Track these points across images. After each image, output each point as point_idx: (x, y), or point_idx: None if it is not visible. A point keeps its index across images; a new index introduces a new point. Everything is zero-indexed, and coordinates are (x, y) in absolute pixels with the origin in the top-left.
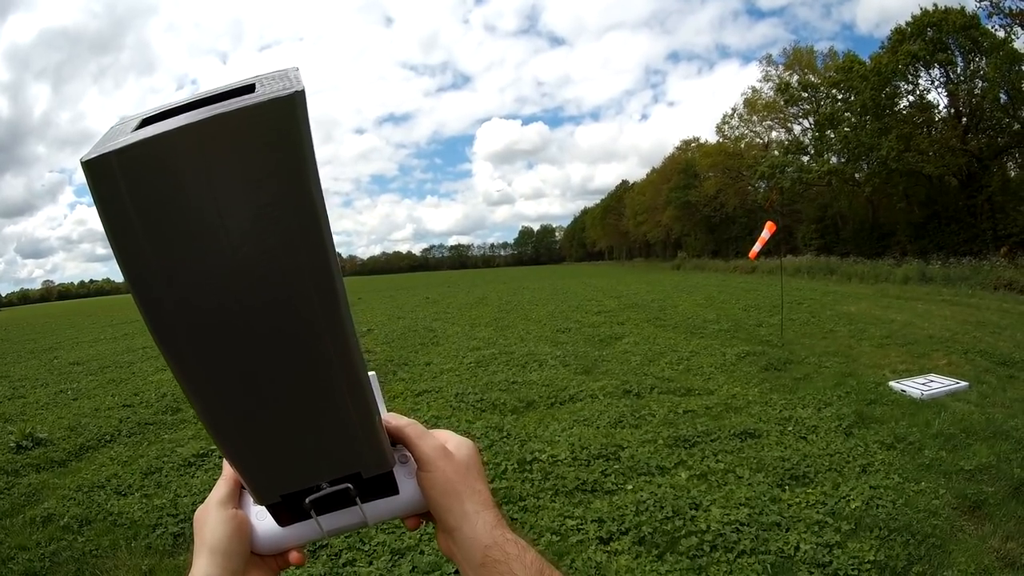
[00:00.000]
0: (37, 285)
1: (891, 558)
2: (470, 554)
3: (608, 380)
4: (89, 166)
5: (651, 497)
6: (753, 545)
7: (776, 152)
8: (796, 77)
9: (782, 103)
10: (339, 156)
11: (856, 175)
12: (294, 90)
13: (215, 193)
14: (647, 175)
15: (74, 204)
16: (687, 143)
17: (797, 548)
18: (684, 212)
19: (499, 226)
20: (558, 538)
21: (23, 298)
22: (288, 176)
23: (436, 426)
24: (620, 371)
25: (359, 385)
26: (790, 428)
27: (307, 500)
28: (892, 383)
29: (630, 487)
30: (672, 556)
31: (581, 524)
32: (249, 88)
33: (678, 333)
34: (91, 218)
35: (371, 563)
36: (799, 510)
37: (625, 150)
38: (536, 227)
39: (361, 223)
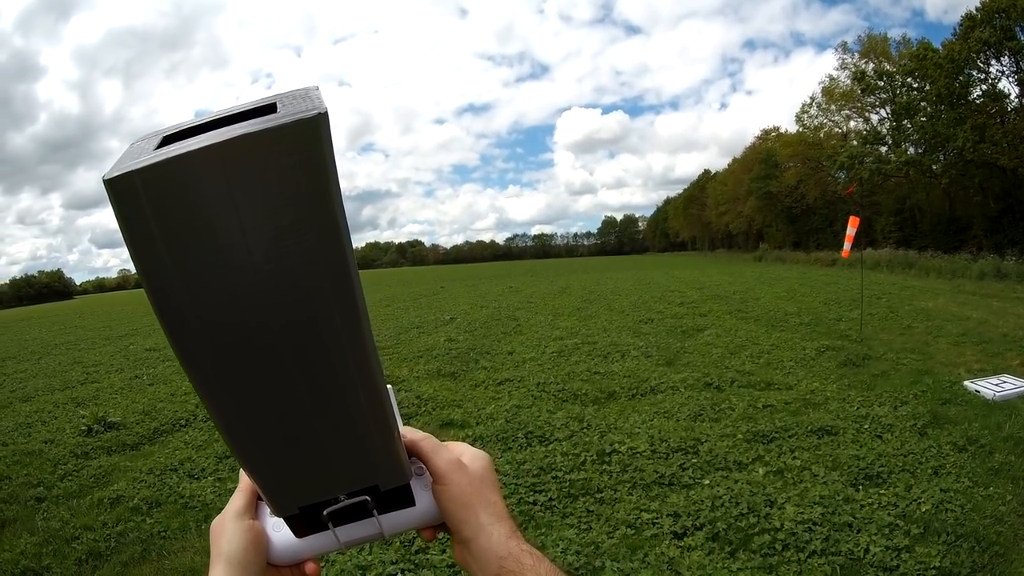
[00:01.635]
0: (113, 274)
1: (956, 565)
2: (486, 565)
3: (689, 372)
4: (111, 184)
5: (727, 493)
6: (824, 546)
7: (855, 142)
8: (872, 65)
9: (859, 92)
10: (419, 146)
11: (933, 166)
12: (317, 112)
13: (237, 212)
14: (728, 165)
15: None
16: (767, 132)
17: (867, 550)
18: (765, 203)
19: (582, 215)
20: (633, 531)
21: (99, 286)
22: (311, 197)
23: (517, 416)
24: (701, 363)
25: (379, 400)
26: (866, 426)
27: (325, 512)
28: (967, 382)
29: (707, 482)
30: (744, 554)
31: (656, 518)
32: (271, 107)
33: (759, 326)
34: None
35: (444, 551)
36: (871, 511)
37: (705, 139)
38: (619, 217)
39: (443, 212)
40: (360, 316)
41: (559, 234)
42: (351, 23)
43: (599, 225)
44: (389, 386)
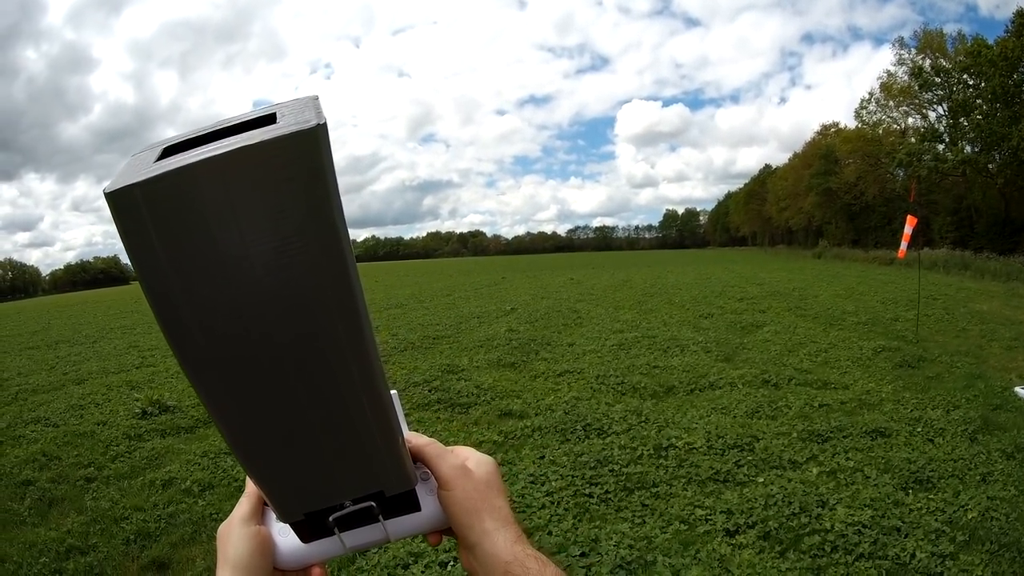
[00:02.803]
0: None
1: (997, 574)
2: (491, 570)
3: (748, 368)
4: (112, 197)
5: (781, 491)
6: (872, 549)
7: (913, 139)
8: (928, 61)
9: (916, 88)
10: (480, 137)
11: (989, 165)
12: (316, 123)
13: (238, 224)
14: (789, 160)
15: None
16: (826, 128)
17: (913, 556)
18: (825, 199)
19: (643, 208)
20: (686, 527)
21: None
22: (311, 208)
23: (576, 408)
24: (760, 360)
25: (382, 407)
26: (919, 429)
27: (331, 518)
28: (1017, 388)
29: (761, 480)
30: (794, 554)
31: (710, 515)
32: (270, 118)
33: (817, 323)
34: None
35: None
36: (919, 516)
37: (765, 134)
38: (680, 210)
39: (505, 203)
40: (362, 325)
41: (620, 227)
42: (409, 14)
43: (660, 218)
44: (394, 392)
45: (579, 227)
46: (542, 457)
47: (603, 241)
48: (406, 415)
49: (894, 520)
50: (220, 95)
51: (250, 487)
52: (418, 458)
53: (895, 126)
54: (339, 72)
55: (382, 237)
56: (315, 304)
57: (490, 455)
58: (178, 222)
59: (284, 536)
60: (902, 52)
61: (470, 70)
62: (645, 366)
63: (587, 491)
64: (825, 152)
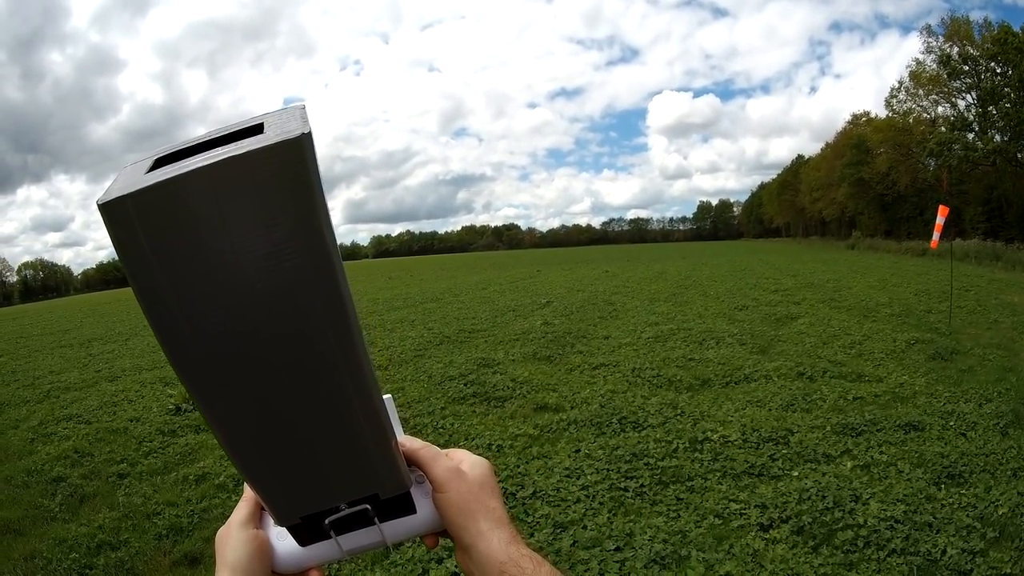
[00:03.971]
0: None
1: None
2: (486, 571)
3: (783, 361)
4: (105, 208)
5: (815, 486)
6: (904, 545)
7: (943, 128)
8: (956, 49)
9: (945, 76)
10: (512, 130)
11: (1019, 155)
12: (300, 132)
13: (228, 232)
14: (821, 150)
15: None
16: (857, 117)
17: (944, 552)
18: (858, 189)
19: (676, 200)
20: (720, 521)
21: None
22: (298, 215)
23: (611, 401)
24: (795, 352)
25: (374, 411)
26: (952, 423)
27: (326, 521)
28: None
29: (795, 474)
30: (827, 549)
31: (744, 509)
32: (258, 128)
33: (852, 315)
34: None
35: (533, 535)
36: (951, 511)
37: (796, 124)
38: (714, 202)
39: (539, 196)
40: (352, 330)
41: (655, 219)
42: (437, 9)
43: (694, 210)
44: (388, 396)
45: (613, 219)
46: (577, 451)
47: (638, 233)
48: (402, 419)
49: (926, 515)
50: (250, 93)
51: (248, 491)
52: (413, 461)
53: (925, 115)
54: (369, 68)
55: (416, 231)
56: (304, 311)
57: (525, 446)
58: (169, 231)
59: (282, 540)
60: (930, 40)
61: (500, 64)
62: (681, 359)
63: (622, 485)
64: (857, 142)
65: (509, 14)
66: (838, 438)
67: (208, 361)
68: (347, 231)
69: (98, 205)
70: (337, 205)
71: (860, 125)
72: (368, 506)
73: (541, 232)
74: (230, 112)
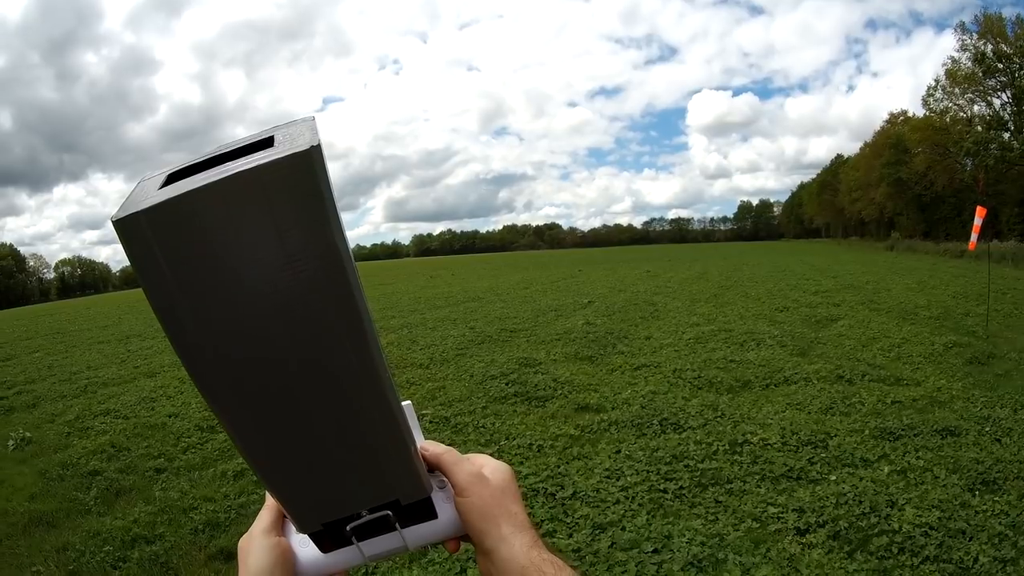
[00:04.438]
0: None
1: None
2: (508, 575)
3: (823, 364)
4: (119, 225)
5: (852, 490)
6: (937, 552)
7: (979, 127)
8: (990, 47)
9: (980, 74)
10: (553, 129)
11: None
12: (310, 145)
13: (241, 246)
14: (860, 149)
15: None
16: (895, 116)
17: (976, 560)
18: (896, 189)
19: (717, 200)
20: (758, 525)
21: None
22: (310, 227)
23: (652, 402)
24: (834, 355)
25: (393, 418)
26: (987, 428)
27: (348, 528)
28: None
29: (833, 478)
30: (862, 555)
31: (782, 513)
32: (268, 141)
33: (891, 318)
34: None
35: (571, 535)
36: (984, 519)
37: (835, 123)
38: (755, 201)
39: (580, 196)
40: (368, 340)
41: (696, 219)
42: (474, 8)
43: (735, 210)
44: (408, 402)
45: (654, 219)
46: (618, 451)
47: (679, 233)
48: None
49: (960, 522)
50: (288, 92)
51: (270, 499)
52: (435, 466)
53: (962, 114)
54: (407, 67)
55: (458, 230)
56: (320, 321)
57: (565, 447)
58: (183, 246)
59: (304, 547)
60: (964, 37)
61: (539, 63)
62: (721, 360)
63: (662, 486)
64: (895, 141)
65: (547, 13)
66: (876, 442)
67: (226, 372)
68: (388, 230)
69: (112, 222)
70: (378, 204)
71: (898, 124)
72: (389, 512)
73: (582, 232)
74: (269, 112)
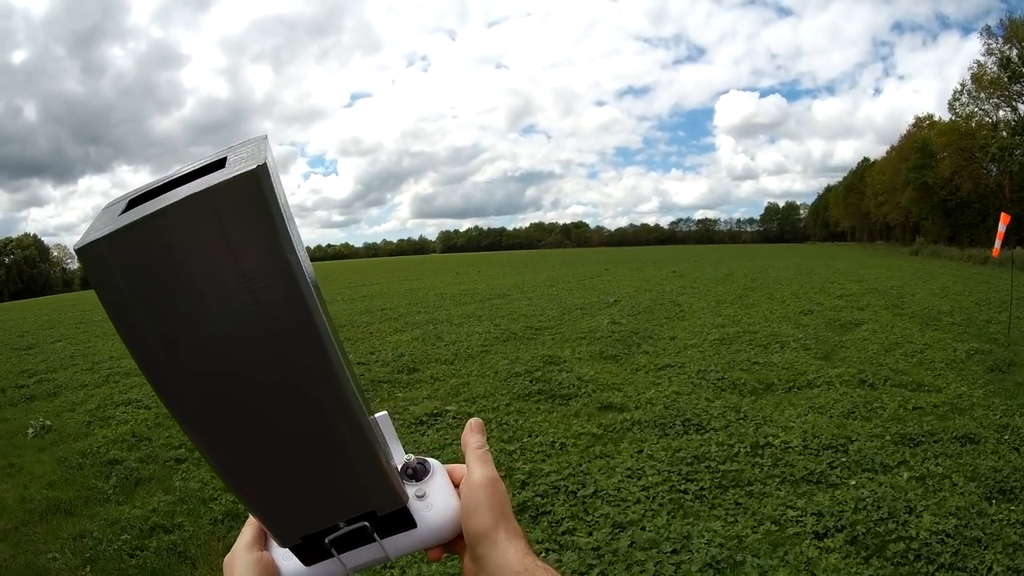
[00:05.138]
0: None
1: None
2: None
3: (845, 368)
4: (81, 254)
5: (871, 496)
6: (952, 560)
7: (1004, 133)
8: (1016, 51)
9: (1005, 79)
10: (581, 128)
11: None
12: (256, 164)
13: (199, 267)
14: (886, 153)
15: (307, 174)
16: (921, 120)
17: (990, 569)
18: (922, 194)
19: (743, 201)
20: (776, 528)
21: None
22: (262, 244)
23: (675, 403)
24: (858, 359)
25: (360, 430)
26: (1006, 436)
27: (327, 540)
28: None
29: (853, 483)
30: (878, 560)
31: (801, 516)
32: (221, 163)
33: (914, 323)
34: (325, 187)
35: (591, 534)
36: (1000, 528)
37: (861, 126)
38: (781, 203)
39: (607, 195)
40: (329, 356)
41: (722, 220)
42: (503, 6)
43: (761, 211)
44: (383, 414)
45: (681, 219)
46: (640, 451)
47: (705, 234)
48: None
49: (976, 531)
50: (316, 88)
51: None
52: (463, 454)
53: (987, 119)
54: (436, 64)
55: (485, 227)
56: (280, 338)
57: (588, 445)
58: (145, 269)
59: (287, 560)
60: (990, 42)
61: (567, 61)
62: (745, 362)
63: (682, 487)
64: (921, 145)
65: (575, 12)
66: (896, 448)
67: (193, 391)
68: (415, 226)
69: (75, 250)
70: (405, 200)
71: (924, 128)
72: (367, 523)
73: (609, 231)
74: (296, 107)
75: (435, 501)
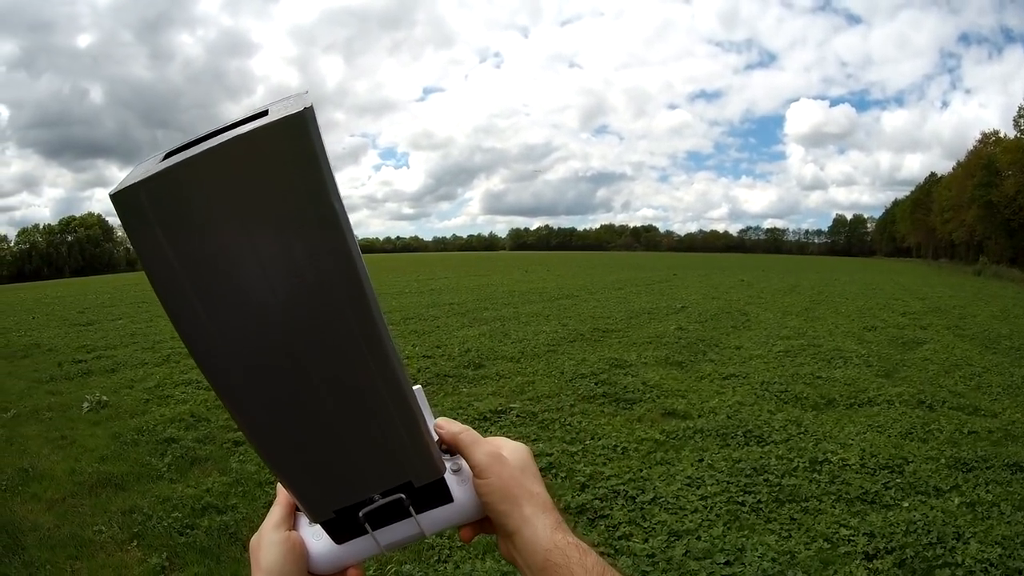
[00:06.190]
0: None
1: None
2: (531, 558)
3: (906, 387)
4: (116, 199)
5: (922, 519)
6: None
7: None
8: None
9: None
10: (652, 130)
11: None
12: (304, 106)
13: (240, 212)
14: (953, 168)
15: (379, 166)
16: (987, 137)
17: None
18: (987, 212)
19: (812, 212)
20: (828, 546)
21: None
22: (307, 190)
23: (738, 413)
24: (918, 379)
25: (403, 398)
26: None
27: (361, 513)
28: None
29: (906, 504)
30: None
31: (853, 535)
32: (263, 114)
33: (974, 345)
34: (395, 179)
35: (647, 540)
36: None
37: (928, 139)
38: (849, 216)
39: (677, 199)
40: (372, 312)
41: (791, 230)
42: (575, 5)
43: (829, 223)
44: (417, 387)
45: (750, 228)
46: (701, 460)
47: (773, 244)
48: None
49: (1019, 562)
50: (388, 79)
51: (281, 494)
52: (452, 446)
53: None
54: (509, 61)
55: (555, 227)
56: (322, 291)
57: (649, 451)
58: (182, 217)
59: (318, 539)
60: None
61: (640, 63)
62: (808, 375)
63: (740, 499)
64: (987, 162)
65: (647, 12)
66: (950, 472)
67: (233, 354)
68: (485, 222)
69: (110, 196)
70: (476, 195)
71: (989, 145)
72: (403, 495)
73: (679, 236)
74: (368, 98)
75: (470, 475)
